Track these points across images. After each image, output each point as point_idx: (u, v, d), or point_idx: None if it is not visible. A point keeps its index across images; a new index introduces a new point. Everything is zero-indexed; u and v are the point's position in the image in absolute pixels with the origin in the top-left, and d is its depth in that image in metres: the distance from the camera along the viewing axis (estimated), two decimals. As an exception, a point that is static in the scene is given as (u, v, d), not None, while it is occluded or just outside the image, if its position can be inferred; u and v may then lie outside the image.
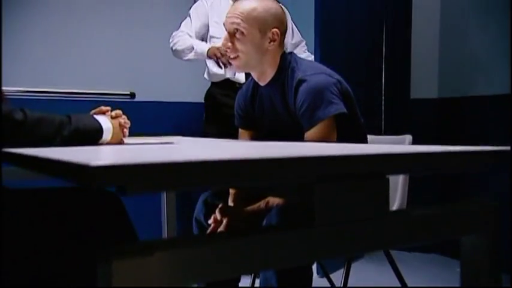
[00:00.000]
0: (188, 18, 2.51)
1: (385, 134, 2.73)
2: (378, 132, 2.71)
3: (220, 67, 2.26)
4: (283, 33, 1.53)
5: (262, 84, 1.58)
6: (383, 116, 2.91)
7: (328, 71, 1.52)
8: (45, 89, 2.68)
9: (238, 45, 1.49)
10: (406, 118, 2.95)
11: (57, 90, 2.71)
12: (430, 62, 3.07)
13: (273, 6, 1.52)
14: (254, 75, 1.58)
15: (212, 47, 2.30)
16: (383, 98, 2.94)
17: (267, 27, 1.49)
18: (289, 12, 2.34)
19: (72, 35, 2.83)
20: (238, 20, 1.47)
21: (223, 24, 1.54)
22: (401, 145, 1.41)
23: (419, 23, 3.05)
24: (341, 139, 1.47)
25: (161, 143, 1.33)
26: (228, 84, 2.46)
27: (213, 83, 2.54)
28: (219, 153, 0.84)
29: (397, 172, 1.22)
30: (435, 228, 0.83)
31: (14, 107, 1.03)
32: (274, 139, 1.73)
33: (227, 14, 1.53)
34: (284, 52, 1.56)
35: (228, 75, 2.33)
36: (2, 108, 0.99)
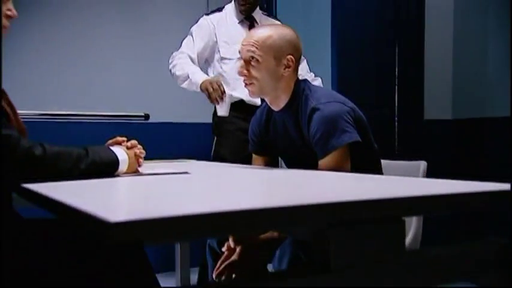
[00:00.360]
0: (190, 37, 2.34)
1: (399, 156, 2.70)
2: (391, 153, 2.70)
3: (212, 102, 2.04)
4: (298, 59, 1.56)
5: (275, 109, 1.60)
6: (396, 137, 2.89)
7: (342, 98, 1.53)
8: (61, 112, 2.73)
9: (253, 72, 1.52)
10: (419, 139, 2.93)
11: (73, 112, 2.76)
12: (444, 82, 3.05)
13: (288, 33, 1.55)
14: (268, 100, 1.60)
15: (205, 81, 2.09)
16: (396, 118, 2.93)
17: (282, 54, 1.51)
18: (303, 34, 2.34)
19: (88, 57, 2.88)
20: (254, 48, 1.50)
21: (239, 51, 1.57)
22: (417, 179, 1.40)
23: (432, 42, 3.05)
24: (355, 166, 1.47)
25: (176, 173, 1.34)
26: (243, 107, 2.31)
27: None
28: (234, 198, 0.85)
29: (414, 214, 1.21)
30: (451, 269, 0.82)
31: (34, 142, 1.05)
32: (288, 164, 1.74)
33: (243, 41, 1.57)
34: (298, 79, 1.58)
35: (220, 113, 2.03)
36: (22, 143, 1.01)
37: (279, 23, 2.32)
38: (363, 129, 1.51)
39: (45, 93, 2.73)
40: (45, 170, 1.05)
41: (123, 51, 2.99)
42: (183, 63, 2.25)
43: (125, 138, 1.36)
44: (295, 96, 1.55)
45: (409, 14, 3.00)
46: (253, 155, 1.76)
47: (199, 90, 2.12)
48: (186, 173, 1.37)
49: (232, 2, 2.38)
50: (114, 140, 1.36)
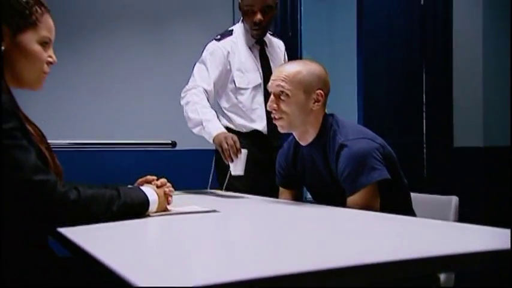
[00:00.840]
0: (203, 66, 2.12)
1: (429, 185, 2.65)
2: (420, 183, 2.65)
3: (226, 159, 1.78)
4: (327, 94, 1.56)
5: (303, 144, 1.60)
6: (425, 164, 2.84)
7: (371, 134, 1.52)
8: (90, 141, 2.79)
9: (283, 106, 1.54)
10: (449, 168, 2.86)
11: (102, 141, 2.83)
12: (474, 107, 2.99)
13: (317, 68, 1.57)
14: (296, 135, 1.61)
15: (220, 134, 1.84)
16: (424, 146, 2.88)
17: (312, 89, 1.53)
18: (329, 62, 2.33)
19: (116, 87, 2.95)
20: (284, 83, 1.52)
21: (268, 87, 1.59)
22: (452, 225, 1.36)
23: (461, 66, 3.01)
24: (384, 204, 1.45)
25: (205, 212, 1.35)
26: (260, 138, 2.14)
27: (240, 134, 2.11)
28: (275, 255, 0.84)
29: (450, 271, 1.18)
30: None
31: (70, 186, 1.07)
32: (314, 197, 1.73)
33: (272, 76, 1.59)
34: (326, 113, 1.58)
35: (234, 172, 1.77)
36: (58, 189, 1.03)
37: (282, 43, 2.29)
38: (392, 166, 1.49)
39: (75, 123, 2.81)
40: (79, 214, 1.07)
41: (150, 80, 3.06)
42: (198, 105, 2.01)
43: (154, 177, 1.38)
44: (323, 131, 1.55)
45: (436, 39, 2.97)
46: (280, 188, 1.76)
47: (211, 141, 1.91)
48: (214, 211, 1.37)
49: (240, 22, 2.18)
50: (144, 179, 1.38)
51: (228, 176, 1.97)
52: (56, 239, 1.07)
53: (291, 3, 3.09)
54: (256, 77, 2.14)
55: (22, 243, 1.05)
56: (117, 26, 2.94)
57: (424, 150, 2.86)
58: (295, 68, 1.55)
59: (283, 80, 1.53)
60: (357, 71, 2.85)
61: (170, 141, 3.02)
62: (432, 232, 1.06)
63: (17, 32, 1.09)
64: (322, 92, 1.53)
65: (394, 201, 1.48)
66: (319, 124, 1.55)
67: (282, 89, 1.53)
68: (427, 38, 2.95)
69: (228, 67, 2.12)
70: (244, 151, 1.76)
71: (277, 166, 1.75)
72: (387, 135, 1.54)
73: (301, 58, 3.08)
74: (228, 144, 1.76)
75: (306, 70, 1.54)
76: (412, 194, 1.66)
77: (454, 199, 1.65)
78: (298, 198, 1.76)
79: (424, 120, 2.90)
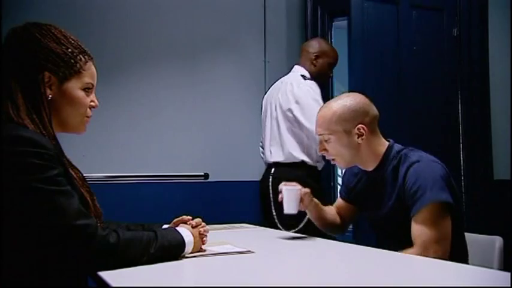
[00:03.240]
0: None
1: (468, 220, 2.55)
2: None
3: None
4: (370, 123, 1.55)
5: (368, 169, 1.60)
6: (463, 199, 2.74)
7: (442, 164, 1.50)
8: (125, 174, 2.85)
9: (331, 149, 1.57)
10: (489, 201, 2.75)
11: (137, 174, 2.89)
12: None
13: (352, 102, 1.56)
14: (358, 164, 1.62)
15: None
16: (462, 179, 2.79)
17: (351, 126, 1.53)
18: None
19: (148, 120, 3.00)
20: (322, 129, 1.57)
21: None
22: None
23: (499, 95, 2.93)
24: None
25: (240, 252, 1.35)
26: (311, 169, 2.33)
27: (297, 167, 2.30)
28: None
29: None
30: None
31: (109, 229, 1.10)
32: (372, 225, 1.68)
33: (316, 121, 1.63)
34: (390, 143, 1.58)
35: (287, 210, 1.61)
36: (99, 233, 1.06)
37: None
38: (455, 197, 1.45)
39: (111, 156, 2.86)
40: (119, 257, 1.08)
41: (183, 113, 3.11)
42: None
43: (190, 217, 1.38)
44: (387, 157, 1.54)
45: (473, 66, 2.92)
46: (340, 201, 1.78)
47: None
48: (250, 251, 1.36)
49: (302, 67, 2.49)
50: (180, 218, 1.40)
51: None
52: (95, 283, 1.09)
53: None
54: None
55: (63, 286, 1.07)
56: (152, 60, 3.02)
57: (463, 184, 2.77)
58: (329, 110, 1.57)
59: (320, 126, 1.57)
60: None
61: (203, 173, 3.05)
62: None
63: (63, 81, 1.15)
64: (363, 125, 1.53)
65: (454, 233, 1.43)
66: (377, 152, 1.55)
67: (322, 137, 1.57)
68: (463, 65, 2.90)
69: None
70: (297, 189, 1.62)
71: (345, 178, 1.76)
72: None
73: (332, 92, 3.09)
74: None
75: (341, 108, 1.54)
76: (454, 233, 1.60)
77: (498, 240, 1.58)
78: (355, 215, 1.75)
79: (462, 153, 2.82)
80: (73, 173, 1.14)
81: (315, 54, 2.42)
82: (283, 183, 1.63)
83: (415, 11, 2.88)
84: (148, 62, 3.01)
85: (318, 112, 1.62)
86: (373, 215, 1.64)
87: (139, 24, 2.98)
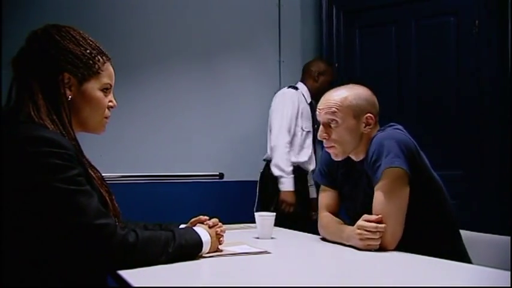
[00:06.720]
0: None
1: (478, 221, 2.50)
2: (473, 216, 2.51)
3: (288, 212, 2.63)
4: (377, 115, 1.54)
5: (355, 159, 1.57)
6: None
7: (407, 135, 1.48)
8: (141, 173, 2.87)
9: (333, 135, 1.52)
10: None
11: (153, 174, 2.90)
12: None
13: (363, 92, 1.55)
14: (352, 155, 1.58)
15: (292, 192, 2.68)
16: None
17: (361, 113, 1.51)
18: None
19: (166, 121, 3.02)
20: (333, 109, 1.50)
21: (317, 116, 1.58)
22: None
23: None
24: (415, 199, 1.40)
25: (257, 253, 1.35)
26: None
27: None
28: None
29: None
30: None
31: (128, 229, 1.10)
32: (352, 218, 1.58)
33: (319, 106, 1.57)
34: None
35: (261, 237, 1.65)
36: (118, 232, 1.06)
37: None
38: (419, 168, 1.43)
39: (128, 156, 2.88)
40: (138, 255, 1.09)
41: (199, 113, 3.12)
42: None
43: (207, 218, 1.39)
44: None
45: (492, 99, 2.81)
46: (323, 188, 1.69)
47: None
48: (266, 252, 1.36)
49: (302, 83, 2.87)
50: (197, 218, 1.40)
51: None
52: (115, 281, 1.10)
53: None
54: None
55: (83, 285, 1.08)
56: (168, 62, 3.04)
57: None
58: (342, 93, 1.53)
59: (331, 107, 1.51)
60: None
61: (218, 173, 3.06)
62: None
63: (82, 82, 1.16)
64: (372, 114, 1.52)
65: (424, 198, 1.43)
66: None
67: (331, 117, 1.51)
68: (484, 99, 2.78)
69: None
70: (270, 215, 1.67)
71: (322, 164, 1.69)
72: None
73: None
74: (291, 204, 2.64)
75: (353, 95, 1.52)
76: (463, 232, 1.57)
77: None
78: (339, 200, 1.67)
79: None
80: (92, 173, 1.16)
81: (317, 72, 2.83)
82: (258, 213, 1.66)
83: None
84: (164, 64, 3.02)
85: (327, 95, 1.56)
86: (350, 205, 1.61)
87: (155, 27, 2.99)
